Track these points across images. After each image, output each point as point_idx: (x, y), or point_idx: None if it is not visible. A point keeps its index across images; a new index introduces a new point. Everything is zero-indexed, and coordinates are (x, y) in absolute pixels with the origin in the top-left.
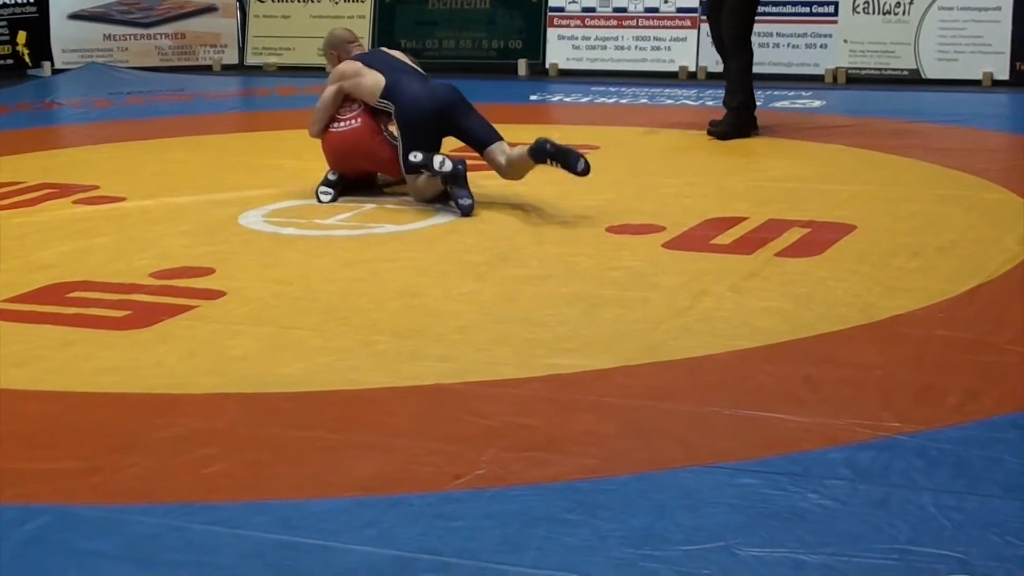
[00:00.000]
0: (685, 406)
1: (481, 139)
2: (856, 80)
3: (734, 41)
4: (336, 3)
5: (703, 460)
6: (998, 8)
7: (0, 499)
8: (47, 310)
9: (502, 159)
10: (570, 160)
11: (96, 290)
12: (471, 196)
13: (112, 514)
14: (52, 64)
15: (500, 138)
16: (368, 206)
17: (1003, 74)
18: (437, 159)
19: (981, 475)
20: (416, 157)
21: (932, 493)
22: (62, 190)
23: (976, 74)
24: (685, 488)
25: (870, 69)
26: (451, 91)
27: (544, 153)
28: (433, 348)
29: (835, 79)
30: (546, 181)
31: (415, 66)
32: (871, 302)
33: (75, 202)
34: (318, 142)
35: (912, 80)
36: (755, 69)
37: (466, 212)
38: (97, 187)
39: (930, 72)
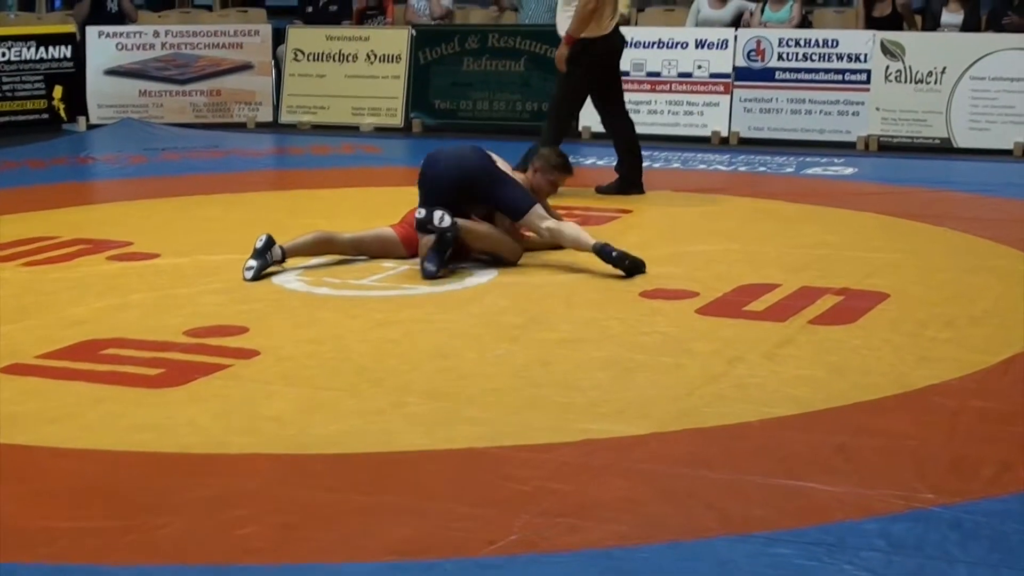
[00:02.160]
0: (719, 474)
1: (510, 210)
2: (888, 148)
3: (548, 113)
4: (371, 63)
5: (737, 529)
6: None
7: (32, 558)
8: (80, 367)
9: (543, 228)
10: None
11: (129, 347)
12: (438, 264)
13: (144, 575)
14: (87, 119)
15: (533, 203)
16: (402, 267)
17: None
18: (437, 214)
19: (1017, 549)
20: (420, 214)
21: (967, 566)
22: (96, 246)
23: (1007, 144)
24: (719, 557)
25: (902, 137)
26: (476, 159)
27: (608, 257)
28: (466, 411)
29: (867, 147)
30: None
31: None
32: (904, 371)
33: (109, 258)
34: (352, 203)
35: (944, 149)
36: (788, 135)
37: (426, 276)
38: (131, 243)
39: (962, 141)
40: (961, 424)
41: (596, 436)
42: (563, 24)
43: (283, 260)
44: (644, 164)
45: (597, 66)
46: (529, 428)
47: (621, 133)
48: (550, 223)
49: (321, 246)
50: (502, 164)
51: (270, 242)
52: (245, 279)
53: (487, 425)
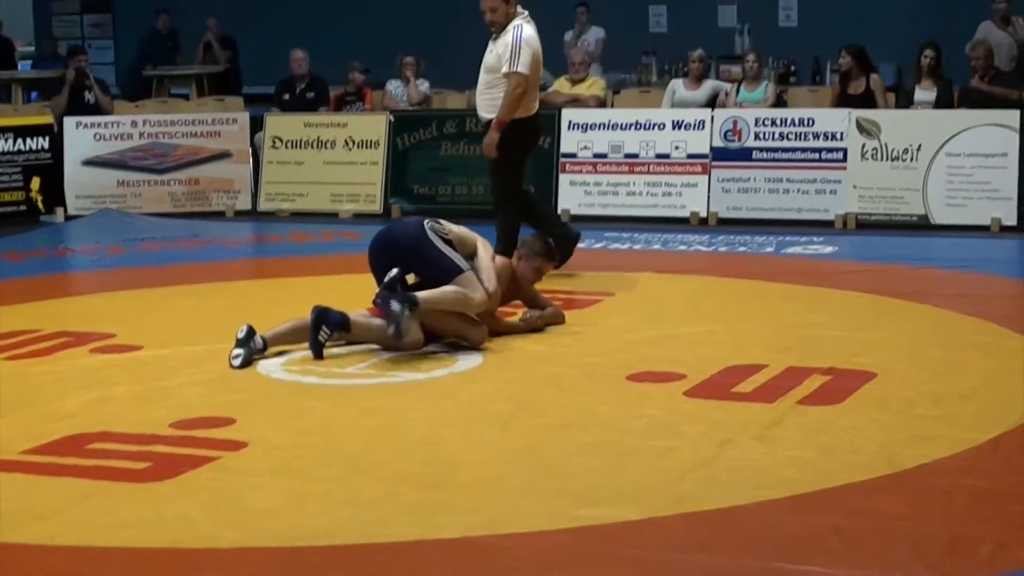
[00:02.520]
0: (716, 559)
1: (436, 276)
2: (866, 225)
3: (495, 201)
4: (350, 149)
5: None
6: (1005, 154)
7: None
8: (66, 462)
9: (475, 296)
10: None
11: (115, 441)
12: (388, 298)
13: None
14: (65, 210)
15: (461, 271)
16: (386, 354)
17: (1011, 220)
18: (392, 272)
19: None
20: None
21: None
22: (78, 338)
23: (984, 220)
24: None
25: (880, 215)
26: (408, 229)
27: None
28: (459, 499)
29: (845, 224)
30: (564, 329)
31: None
32: (895, 451)
33: (92, 351)
34: (332, 290)
35: (921, 226)
36: (767, 215)
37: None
38: (114, 335)
39: (939, 218)
40: (955, 503)
41: (590, 522)
42: (485, 107)
43: (264, 349)
44: (624, 246)
45: (527, 145)
46: (523, 515)
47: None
48: (481, 291)
49: (301, 333)
50: (456, 231)
51: (251, 332)
52: (233, 367)
53: (480, 513)
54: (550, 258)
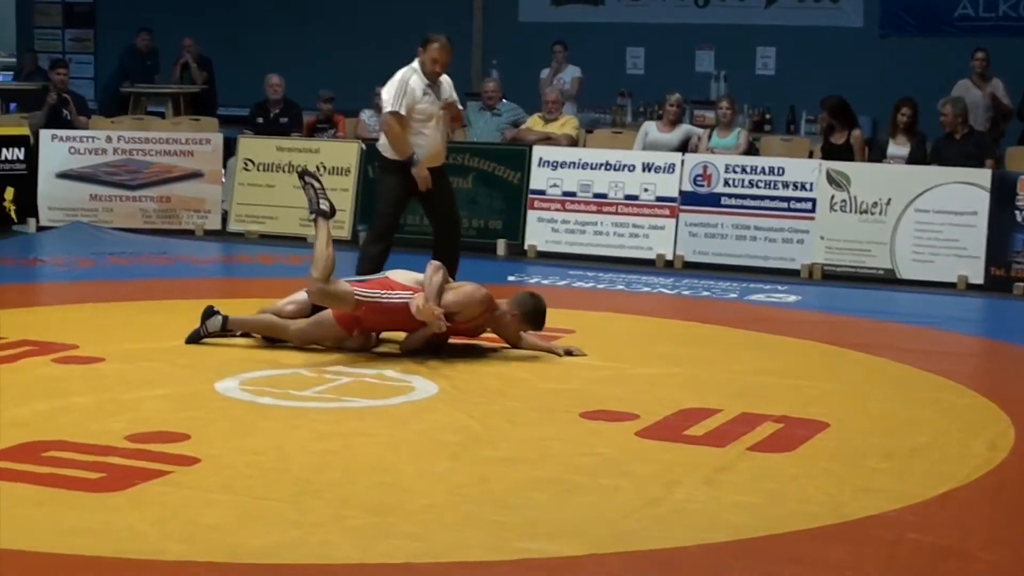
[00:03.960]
0: None
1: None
2: (832, 277)
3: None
4: (321, 175)
5: None
6: (974, 212)
7: None
8: (21, 468)
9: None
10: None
11: (71, 450)
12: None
13: None
14: (37, 221)
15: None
16: (343, 379)
17: (978, 278)
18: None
19: None
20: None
21: None
22: (41, 348)
23: (951, 277)
24: None
25: (846, 266)
26: None
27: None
28: (404, 526)
29: (811, 275)
30: (521, 363)
31: None
32: (843, 501)
33: (53, 360)
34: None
35: (887, 279)
36: (733, 261)
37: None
38: (76, 347)
39: (905, 272)
40: (898, 557)
41: (532, 555)
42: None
43: (223, 329)
44: (588, 285)
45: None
46: (466, 545)
47: None
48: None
49: (265, 330)
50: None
51: (210, 311)
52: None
53: (424, 541)
54: (538, 327)
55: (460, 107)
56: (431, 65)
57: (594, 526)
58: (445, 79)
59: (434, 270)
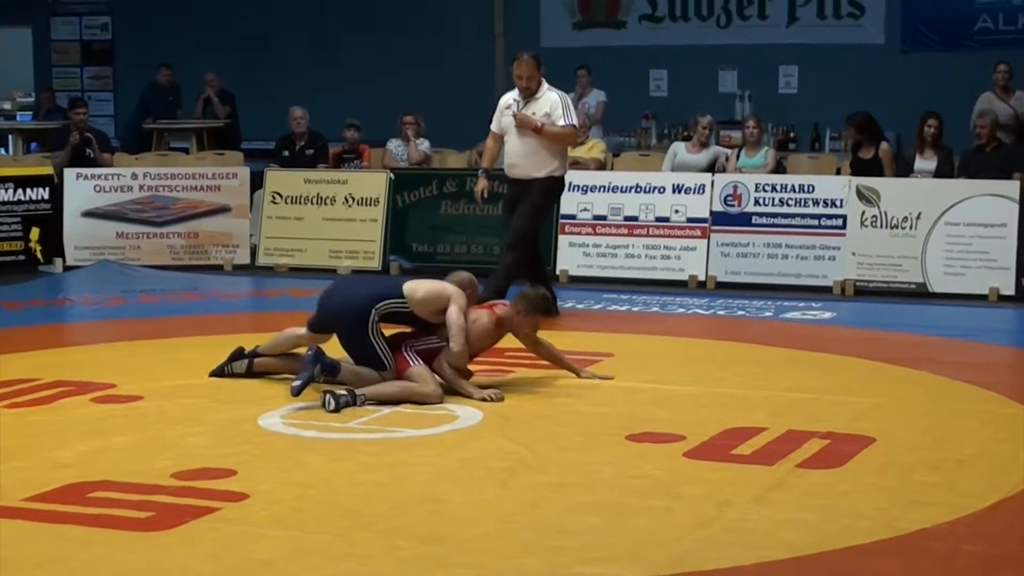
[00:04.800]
0: None
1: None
2: (864, 292)
3: (518, 238)
4: (349, 206)
5: None
6: (1004, 224)
7: None
8: (68, 510)
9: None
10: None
11: (117, 490)
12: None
13: None
14: (64, 261)
15: (382, 369)
16: (385, 410)
17: (1009, 289)
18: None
19: None
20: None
21: None
22: (78, 388)
23: (982, 289)
24: None
25: (878, 282)
26: (347, 308)
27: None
28: (458, 556)
29: (843, 291)
30: (563, 387)
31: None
32: (895, 516)
33: (92, 400)
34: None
35: (919, 293)
36: (766, 280)
37: (292, 392)
38: (114, 385)
39: (937, 286)
40: (955, 569)
41: None
42: (534, 167)
43: (247, 372)
44: (623, 308)
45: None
46: (523, 573)
47: None
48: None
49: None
50: (422, 291)
51: (239, 353)
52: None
53: (480, 569)
54: (549, 314)
55: (558, 128)
56: (516, 81)
57: (650, 549)
58: (551, 96)
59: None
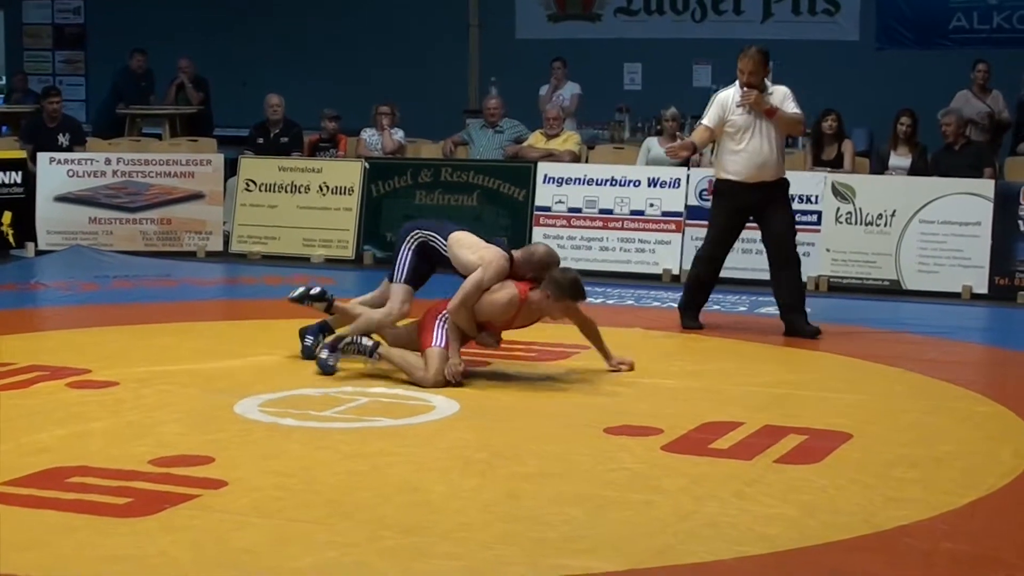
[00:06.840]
0: None
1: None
2: (838, 288)
3: (792, 250)
4: (324, 195)
5: None
6: (978, 223)
7: None
8: (47, 495)
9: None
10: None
11: (95, 476)
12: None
13: None
14: (36, 245)
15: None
16: (362, 400)
17: (982, 288)
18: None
19: None
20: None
21: None
22: (53, 373)
23: (956, 287)
24: None
25: (852, 278)
26: (404, 227)
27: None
28: (441, 545)
29: (817, 287)
30: (540, 379)
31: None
32: (873, 512)
33: (68, 385)
34: None
35: (892, 291)
36: (742, 275)
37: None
38: (89, 371)
39: (910, 283)
40: (936, 566)
41: (572, 572)
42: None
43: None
44: (598, 300)
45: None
46: (504, 563)
47: None
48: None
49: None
50: (463, 248)
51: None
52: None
53: (462, 560)
54: (577, 297)
55: (791, 112)
56: (739, 76)
57: (631, 541)
58: (781, 88)
59: (447, 325)
